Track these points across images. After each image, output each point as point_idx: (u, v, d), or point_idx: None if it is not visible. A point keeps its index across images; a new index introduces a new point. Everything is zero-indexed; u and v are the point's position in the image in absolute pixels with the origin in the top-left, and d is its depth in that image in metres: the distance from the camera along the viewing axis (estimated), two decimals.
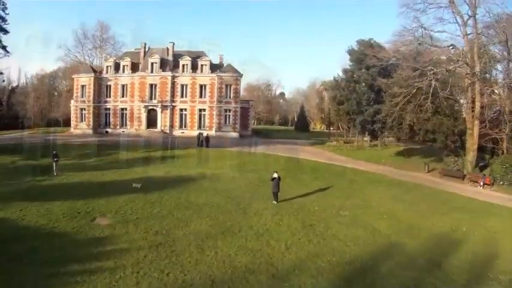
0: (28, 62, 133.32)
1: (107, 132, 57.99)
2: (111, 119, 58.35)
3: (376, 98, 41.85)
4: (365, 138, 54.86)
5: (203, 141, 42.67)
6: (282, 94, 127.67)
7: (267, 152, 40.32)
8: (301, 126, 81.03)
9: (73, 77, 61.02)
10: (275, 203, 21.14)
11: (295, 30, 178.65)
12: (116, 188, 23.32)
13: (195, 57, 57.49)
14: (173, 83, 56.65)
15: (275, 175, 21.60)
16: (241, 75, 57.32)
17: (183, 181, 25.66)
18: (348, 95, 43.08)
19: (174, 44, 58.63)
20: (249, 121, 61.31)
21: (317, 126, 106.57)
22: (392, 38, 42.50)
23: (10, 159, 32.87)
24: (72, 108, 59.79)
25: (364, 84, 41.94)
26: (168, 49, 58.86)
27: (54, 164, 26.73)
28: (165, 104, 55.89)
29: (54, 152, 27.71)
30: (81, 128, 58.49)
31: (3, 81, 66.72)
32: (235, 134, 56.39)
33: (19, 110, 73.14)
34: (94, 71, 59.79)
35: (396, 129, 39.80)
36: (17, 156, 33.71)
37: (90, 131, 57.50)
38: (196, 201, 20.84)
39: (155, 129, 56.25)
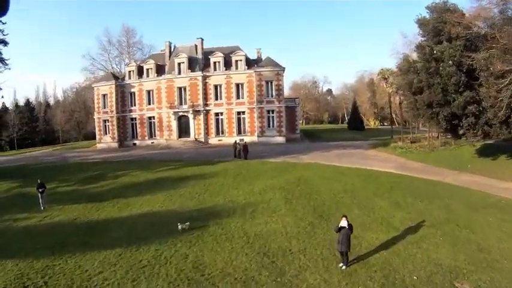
0: (62, 75, 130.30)
1: (134, 144, 50.08)
2: (138, 130, 50.23)
3: (467, 81, 32.01)
4: (434, 134, 45.08)
5: (240, 152, 33.73)
6: (330, 91, 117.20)
7: (321, 162, 30.49)
8: (355, 124, 70.12)
9: (93, 85, 53.61)
10: (343, 267, 11.82)
11: (334, 24, 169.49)
12: (106, 232, 16.21)
13: (228, 52, 48.36)
14: (205, 84, 48.04)
15: (343, 223, 11.97)
16: (283, 69, 47.72)
17: (201, 219, 17.22)
18: (429, 80, 33.16)
19: (202, 40, 49.80)
20: (296, 122, 51.73)
21: (371, 123, 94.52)
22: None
23: (7, 185, 25.96)
24: (96, 121, 52.09)
25: (450, 62, 32.01)
26: (196, 46, 49.90)
27: (39, 196, 20.66)
28: (197, 108, 47.21)
29: (39, 181, 21.35)
30: (105, 141, 50.78)
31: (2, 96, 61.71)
32: (281, 139, 47.24)
33: (55, 125, 70.29)
34: (116, 77, 51.89)
35: (501, 125, 29.82)
36: (17, 182, 26.70)
37: (116, 144, 49.76)
38: (212, 266, 12.26)
39: (188, 138, 47.81)
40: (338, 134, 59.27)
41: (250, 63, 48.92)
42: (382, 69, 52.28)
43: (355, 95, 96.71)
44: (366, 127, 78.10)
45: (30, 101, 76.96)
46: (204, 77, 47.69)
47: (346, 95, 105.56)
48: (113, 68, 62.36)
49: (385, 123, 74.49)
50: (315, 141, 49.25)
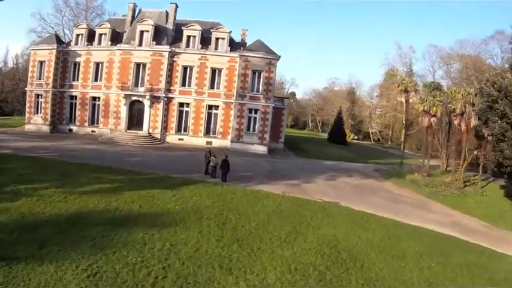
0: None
1: (70, 131, 35.79)
2: (78, 112, 36.06)
3: None
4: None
5: (215, 168, 20.84)
6: (293, 94, 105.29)
7: (343, 204, 18.57)
8: (337, 136, 56.53)
9: (30, 48, 39.49)
10: None
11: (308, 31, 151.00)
12: None
13: (208, 28, 36.23)
14: (171, 64, 34.30)
15: None
16: (277, 58, 34.01)
17: None
18: None
19: (177, 6, 35.93)
20: (281, 128, 38.03)
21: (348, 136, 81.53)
22: None
23: None
24: (27, 94, 37.56)
25: None
26: (167, 14, 36.35)
27: None
28: (156, 93, 33.57)
29: None
30: (35, 122, 36.27)
31: None
32: (262, 148, 33.71)
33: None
34: (60, 41, 37.84)
35: None
36: None
37: (47, 128, 35.41)
38: None
39: (139, 132, 33.96)
40: (323, 148, 46.20)
41: (234, 45, 35.72)
42: (404, 80, 39.55)
43: (325, 103, 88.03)
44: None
45: None
46: (172, 54, 34.21)
47: (313, 101, 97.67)
48: (64, 34, 48.43)
49: (358, 137, 66.61)
50: (303, 156, 35.91)
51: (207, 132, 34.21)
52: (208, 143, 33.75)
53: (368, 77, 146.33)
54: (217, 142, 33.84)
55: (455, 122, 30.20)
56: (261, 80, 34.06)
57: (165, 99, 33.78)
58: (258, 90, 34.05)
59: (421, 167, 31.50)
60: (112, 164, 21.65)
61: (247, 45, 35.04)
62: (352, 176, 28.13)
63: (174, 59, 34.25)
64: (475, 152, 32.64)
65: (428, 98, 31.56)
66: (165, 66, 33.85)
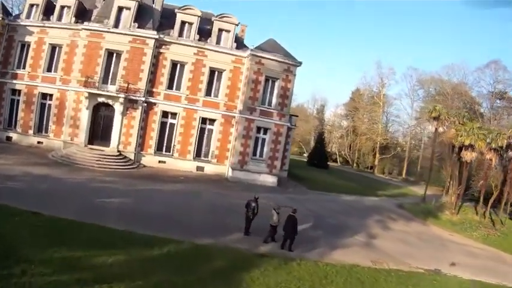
0: None
1: (8, 139, 24.51)
2: (21, 114, 24.71)
3: None
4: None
5: (275, 229, 12.71)
6: None
7: (452, 274, 12.65)
8: (319, 160, 46.30)
9: None
10: None
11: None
12: None
13: (207, 18, 25.73)
14: (157, 56, 23.85)
15: None
16: (298, 64, 24.49)
17: None
18: None
19: None
20: (286, 153, 27.47)
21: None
22: None
23: None
24: None
25: None
26: None
27: None
28: (134, 96, 23.15)
29: None
30: None
31: None
32: (271, 179, 23.90)
33: None
34: (6, 12, 26.27)
35: None
36: None
37: None
38: None
39: (105, 148, 23.18)
40: (315, 174, 36.20)
41: (240, 42, 26.13)
42: (437, 107, 31.18)
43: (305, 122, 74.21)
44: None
45: None
46: (159, 43, 23.67)
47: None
48: (12, 10, 35.03)
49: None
50: (310, 188, 26.75)
51: (198, 153, 24.03)
52: (199, 168, 23.72)
53: (331, 95, 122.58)
54: (210, 168, 23.85)
55: (488, 157, 26.35)
56: (276, 90, 24.24)
57: (145, 104, 23.35)
58: (270, 104, 24.25)
59: (440, 201, 28.34)
60: (81, 213, 12.05)
61: (262, 44, 25.10)
62: (393, 218, 22.16)
63: (161, 51, 23.89)
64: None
65: (475, 130, 25.57)
66: (148, 59, 23.43)
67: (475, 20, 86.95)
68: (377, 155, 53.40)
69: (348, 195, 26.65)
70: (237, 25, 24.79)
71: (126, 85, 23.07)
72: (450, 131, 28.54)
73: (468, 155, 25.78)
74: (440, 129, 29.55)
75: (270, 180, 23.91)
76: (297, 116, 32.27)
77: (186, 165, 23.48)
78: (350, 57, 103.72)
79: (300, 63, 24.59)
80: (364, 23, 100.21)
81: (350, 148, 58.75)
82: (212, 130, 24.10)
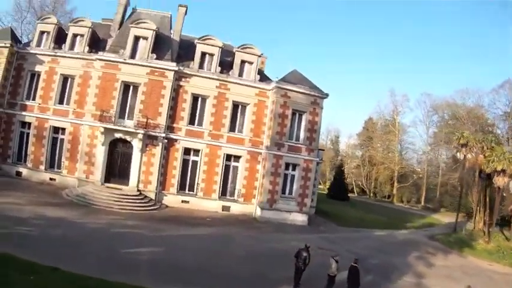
0: None
1: (18, 174, 22.69)
2: (31, 148, 22.88)
3: None
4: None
5: (333, 280, 11.51)
6: None
7: None
8: (339, 192, 44.83)
9: None
10: None
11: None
12: None
13: (227, 50, 24.21)
14: (177, 90, 22.36)
15: None
16: (325, 96, 23.29)
17: None
18: None
19: (186, 8, 24.11)
20: (314, 188, 26.18)
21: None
22: None
23: None
24: None
25: None
26: (170, 20, 24.65)
27: None
28: (153, 132, 21.60)
29: None
30: None
31: None
32: (301, 218, 22.50)
33: None
34: (16, 39, 24.48)
35: None
36: None
37: None
38: None
39: (124, 187, 21.47)
40: (339, 208, 34.92)
41: (263, 74, 24.56)
42: (464, 134, 30.34)
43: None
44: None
45: None
46: (178, 75, 22.18)
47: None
48: (22, 38, 32.78)
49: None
50: (342, 225, 25.65)
51: (223, 193, 22.65)
52: (225, 208, 22.29)
53: (343, 125, 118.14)
54: (237, 208, 22.42)
55: None
56: (303, 124, 22.94)
57: (165, 141, 21.80)
58: (298, 138, 22.92)
59: (468, 229, 28.24)
60: (108, 269, 10.81)
61: (286, 76, 23.61)
62: (431, 253, 21.38)
63: (181, 84, 22.40)
64: None
65: (506, 155, 25.86)
66: (167, 93, 21.94)
67: (487, 40, 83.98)
68: (395, 184, 52.35)
69: (379, 230, 25.69)
70: (260, 56, 23.37)
71: (145, 120, 21.49)
72: (478, 157, 27.82)
73: (500, 180, 26.07)
74: (469, 156, 28.66)
75: (300, 218, 22.62)
76: (323, 150, 31.00)
77: (211, 204, 22.03)
78: (361, 86, 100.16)
79: (327, 95, 23.29)
80: (374, 50, 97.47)
81: (366, 178, 57.30)
82: (237, 167, 22.67)
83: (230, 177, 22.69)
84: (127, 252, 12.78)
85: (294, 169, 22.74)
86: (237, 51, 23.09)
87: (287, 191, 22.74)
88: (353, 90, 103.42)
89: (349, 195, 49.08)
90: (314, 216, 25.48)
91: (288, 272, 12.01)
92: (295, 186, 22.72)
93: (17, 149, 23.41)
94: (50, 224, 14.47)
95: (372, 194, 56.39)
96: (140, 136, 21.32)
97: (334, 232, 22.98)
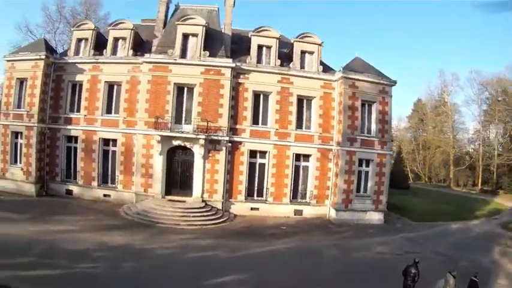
0: None
1: (69, 193, 20.76)
2: (81, 163, 20.80)
3: None
4: None
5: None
6: None
7: None
8: (398, 180, 37.90)
9: (5, 59, 22.21)
10: None
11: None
12: None
13: (283, 41, 21.63)
14: (236, 88, 20.09)
15: None
16: (393, 83, 20.96)
17: None
18: None
19: (234, 1, 23.09)
20: (384, 182, 21.79)
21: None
22: None
23: None
24: (0, 131, 23.21)
25: None
26: (217, 13, 22.58)
27: None
28: (214, 135, 19.43)
29: None
30: (13, 177, 20.74)
31: None
32: (377, 216, 20.31)
33: None
34: (50, 49, 22.34)
35: None
36: None
37: (31, 188, 20.11)
38: None
39: (187, 198, 19.33)
40: (406, 199, 31.50)
41: (325, 65, 22.24)
42: None
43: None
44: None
45: None
46: (236, 72, 19.99)
47: None
48: (57, 49, 31.15)
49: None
50: (416, 219, 23.31)
51: (294, 196, 20.43)
52: (297, 212, 20.05)
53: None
54: (309, 211, 20.18)
55: None
56: (374, 115, 20.70)
57: (229, 144, 19.58)
58: (370, 131, 20.68)
59: None
60: None
61: (348, 64, 21.51)
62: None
63: (240, 81, 20.20)
64: None
65: None
66: (226, 92, 19.74)
67: None
68: (451, 167, 49.29)
69: (452, 222, 23.34)
70: (320, 45, 21.13)
71: (205, 123, 19.31)
72: None
73: None
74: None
75: (376, 217, 20.44)
76: (392, 141, 28.63)
77: (282, 209, 19.83)
78: (408, 67, 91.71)
79: (395, 82, 21.07)
80: (420, 29, 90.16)
81: (422, 163, 54.24)
82: (308, 167, 20.44)
83: (300, 178, 20.44)
84: (212, 285, 10.66)
85: (367, 165, 20.52)
86: (296, 41, 20.85)
87: (361, 189, 20.51)
88: (401, 70, 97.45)
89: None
90: (387, 212, 23.29)
91: None
92: (369, 184, 20.52)
93: (65, 166, 21.22)
94: (115, 256, 12.26)
95: (426, 179, 53.47)
96: (202, 142, 19.10)
97: (412, 230, 20.72)
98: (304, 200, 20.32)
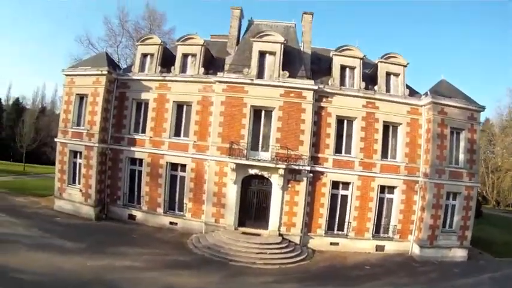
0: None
1: (131, 218, 19.33)
2: (146, 188, 19.19)
3: None
4: None
5: None
6: None
7: None
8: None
9: (64, 73, 20.47)
10: None
11: None
12: None
13: (367, 62, 19.79)
14: (318, 112, 18.24)
15: None
16: (482, 109, 18.81)
17: None
18: None
19: (312, 15, 20.56)
20: (470, 218, 18.96)
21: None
22: None
23: None
24: (57, 149, 20.41)
25: None
26: (294, 29, 20.81)
27: None
28: (294, 165, 17.45)
29: None
30: (70, 197, 19.38)
31: None
32: (461, 253, 18.32)
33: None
34: (113, 64, 20.78)
35: None
36: None
37: (90, 211, 18.76)
38: None
39: (262, 231, 17.55)
40: (481, 229, 28.88)
41: (411, 88, 19.83)
42: None
43: None
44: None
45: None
46: (318, 95, 18.11)
47: None
48: (119, 63, 29.31)
49: None
50: (499, 255, 21.46)
51: (377, 230, 18.60)
52: (379, 247, 18.31)
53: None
54: (391, 247, 18.40)
55: None
56: (462, 144, 18.77)
57: (310, 174, 17.70)
58: (457, 162, 18.76)
59: None
60: None
61: (431, 88, 19.63)
62: None
63: (323, 105, 18.32)
64: None
65: None
66: (308, 117, 17.87)
67: None
68: None
69: None
70: (405, 66, 19.21)
71: (284, 151, 17.56)
72: None
73: None
74: None
75: (460, 254, 18.66)
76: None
77: (363, 245, 18.11)
78: (475, 83, 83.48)
79: (483, 107, 19.13)
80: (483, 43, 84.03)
81: (491, 187, 49.97)
82: (392, 200, 18.64)
83: (384, 211, 18.66)
84: None
85: (454, 198, 18.69)
86: (381, 61, 18.93)
87: (447, 224, 18.71)
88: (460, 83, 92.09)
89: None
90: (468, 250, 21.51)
91: None
92: (456, 218, 18.71)
93: (127, 189, 19.59)
94: None
95: (494, 203, 49.81)
96: (281, 171, 17.30)
97: (497, 268, 18.75)
98: (386, 235, 18.57)
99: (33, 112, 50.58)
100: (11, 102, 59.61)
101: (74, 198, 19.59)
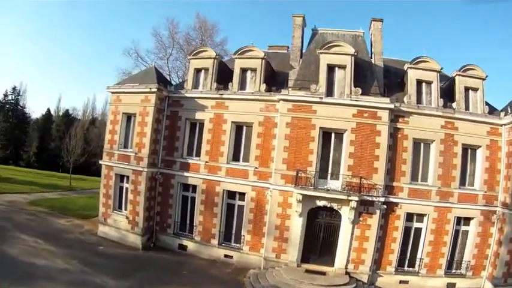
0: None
1: (182, 248, 17.53)
2: (199, 217, 17.29)
3: None
4: None
5: None
6: None
7: None
8: None
9: (109, 90, 18.50)
10: None
11: None
12: None
13: (442, 77, 17.34)
14: (393, 135, 16.30)
15: None
16: None
17: None
18: None
19: (382, 22, 18.18)
20: None
21: None
22: None
23: None
24: (102, 171, 18.51)
25: None
26: (362, 38, 18.36)
27: None
28: (368, 195, 15.38)
29: None
30: (116, 224, 17.66)
31: None
32: None
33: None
34: (163, 81, 18.15)
35: None
36: None
37: (137, 239, 17.00)
38: None
39: (327, 268, 15.73)
40: None
41: (490, 105, 17.40)
42: None
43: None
44: None
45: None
46: (394, 115, 16.00)
47: None
48: (171, 79, 27.56)
49: None
50: None
51: (449, 266, 16.78)
52: (450, 285, 16.74)
53: None
54: (462, 284, 16.56)
55: None
56: None
57: (384, 206, 15.88)
58: None
59: None
60: None
61: (510, 104, 17.50)
62: None
63: (399, 126, 16.21)
64: None
65: None
66: (384, 140, 15.78)
67: None
68: None
69: None
70: (484, 79, 17.06)
71: (357, 180, 15.68)
72: None
73: None
74: None
75: None
76: None
77: (434, 283, 16.39)
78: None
79: None
80: None
81: None
82: (467, 232, 16.89)
83: (458, 245, 16.99)
84: None
85: None
86: (459, 75, 16.70)
87: None
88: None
89: None
90: None
91: None
92: None
93: (179, 217, 17.77)
94: None
95: None
96: (353, 204, 15.41)
97: None
98: (458, 271, 16.88)
99: (84, 123, 50.76)
100: (61, 113, 59.43)
101: (120, 225, 17.81)
